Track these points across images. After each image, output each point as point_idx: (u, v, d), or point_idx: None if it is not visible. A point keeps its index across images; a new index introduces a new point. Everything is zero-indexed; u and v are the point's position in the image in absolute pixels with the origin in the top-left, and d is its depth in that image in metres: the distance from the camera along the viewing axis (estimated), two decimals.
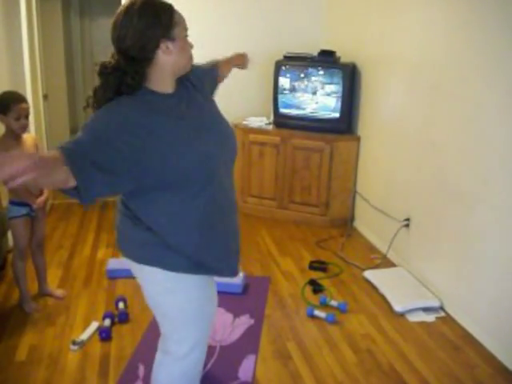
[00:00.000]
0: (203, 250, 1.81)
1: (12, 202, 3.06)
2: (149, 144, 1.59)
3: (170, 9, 1.68)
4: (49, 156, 1.43)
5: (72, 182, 1.42)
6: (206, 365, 2.65)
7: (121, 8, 1.66)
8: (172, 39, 1.66)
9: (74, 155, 1.43)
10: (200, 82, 1.96)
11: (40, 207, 3.09)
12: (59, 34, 6.83)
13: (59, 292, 3.38)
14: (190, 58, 1.79)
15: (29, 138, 3.09)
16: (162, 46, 1.65)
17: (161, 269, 1.79)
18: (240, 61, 2.68)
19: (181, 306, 1.89)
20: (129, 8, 1.63)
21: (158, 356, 2.03)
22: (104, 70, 1.70)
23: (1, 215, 3.33)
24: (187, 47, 1.75)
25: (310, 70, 4.55)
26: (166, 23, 1.65)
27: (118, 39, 1.65)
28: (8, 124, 2.91)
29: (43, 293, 3.36)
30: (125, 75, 1.66)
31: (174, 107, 1.76)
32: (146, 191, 1.68)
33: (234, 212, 1.96)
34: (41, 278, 3.36)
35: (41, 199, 3.08)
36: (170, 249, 1.77)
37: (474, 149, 3.00)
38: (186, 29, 1.74)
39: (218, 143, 1.81)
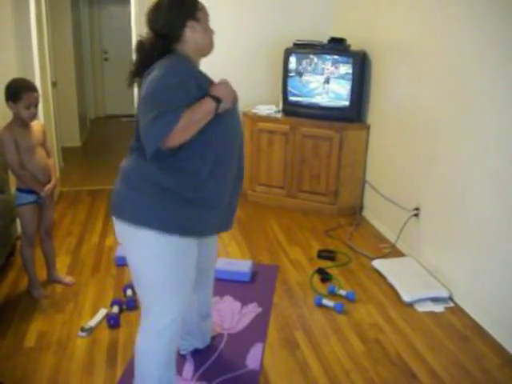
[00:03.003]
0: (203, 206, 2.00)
1: (19, 190, 3.07)
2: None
3: None
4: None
5: None
6: (213, 352, 2.67)
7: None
8: (197, 20, 1.99)
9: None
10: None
11: (47, 195, 3.10)
12: (68, 21, 6.81)
13: (68, 279, 3.40)
14: (212, 41, 2.07)
15: (36, 124, 3.10)
16: (189, 24, 1.97)
17: (155, 231, 1.91)
18: None
19: (168, 271, 2.00)
20: None
21: (140, 330, 2.12)
22: (140, 46, 2.02)
23: (9, 202, 3.33)
24: (209, 30, 2.06)
25: (320, 57, 4.52)
26: (190, 6, 1.99)
27: (152, 20, 1.99)
28: (17, 112, 2.92)
29: (52, 279, 3.38)
30: (154, 50, 1.97)
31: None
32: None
33: (238, 182, 2.19)
34: (49, 264, 3.37)
35: (48, 187, 3.08)
36: (167, 209, 1.92)
37: (484, 137, 2.97)
38: (208, 16, 2.07)
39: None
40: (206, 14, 2.04)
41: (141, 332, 2.11)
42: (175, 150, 1.86)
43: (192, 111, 1.81)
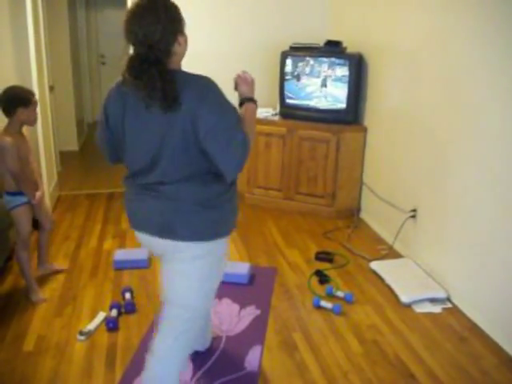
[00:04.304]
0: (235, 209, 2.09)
1: (9, 193, 3.11)
2: None
3: (177, 5, 1.88)
4: None
5: None
6: (212, 355, 2.67)
7: (139, 6, 1.80)
8: (183, 33, 1.87)
9: None
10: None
11: (38, 202, 3.19)
12: (65, 25, 6.82)
13: (59, 265, 3.52)
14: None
15: (26, 131, 3.20)
16: (180, 39, 1.85)
17: (224, 237, 2.03)
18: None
19: (221, 271, 2.14)
20: (153, 5, 1.79)
21: (168, 330, 2.09)
22: (142, 66, 1.79)
23: (5, 207, 3.36)
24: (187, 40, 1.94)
25: (317, 60, 4.53)
26: (182, 21, 1.87)
27: (147, 34, 1.77)
28: (27, 116, 3.00)
29: (43, 270, 3.45)
30: (151, 66, 1.79)
31: None
32: None
33: None
34: (41, 254, 3.44)
35: (39, 195, 3.18)
36: (224, 215, 2.01)
37: (481, 138, 2.98)
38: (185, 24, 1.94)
39: None
40: (185, 24, 1.92)
41: (169, 332, 2.09)
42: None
43: (250, 125, 1.95)
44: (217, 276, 2.13)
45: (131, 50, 1.87)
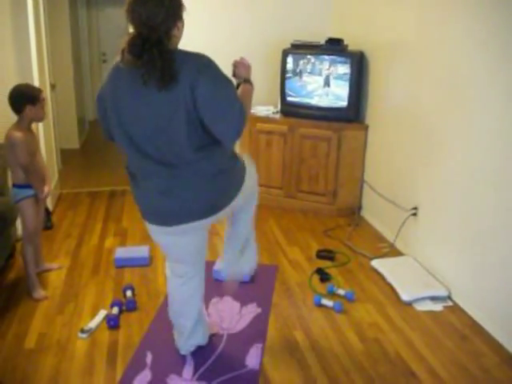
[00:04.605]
0: None
1: (17, 186, 3.14)
2: None
3: None
4: None
5: None
6: (213, 352, 2.67)
7: None
8: (182, 18, 1.96)
9: None
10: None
11: (46, 197, 3.23)
12: (66, 23, 6.82)
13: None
14: None
15: (34, 128, 3.22)
16: (178, 24, 1.95)
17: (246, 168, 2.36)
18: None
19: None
20: None
21: (250, 214, 2.74)
22: (144, 46, 1.86)
23: (9, 204, 3.37)
24: None
25: (318, 58, 4.52)
26: (182, 7, 1.95)
27: (149, 16, 1.85)
28: (35, 113, 3.07)
29: (40, 269, 3.46)
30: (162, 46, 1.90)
31: None
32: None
33: None
34: (37, 256, 3.45)
35: (47, 190, 3.21)
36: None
37: (483, 136, 2.98)
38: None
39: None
40: (185, 9, 2.02)
41: (250, 216, 2.77)
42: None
43: (246, 101, 2.13)
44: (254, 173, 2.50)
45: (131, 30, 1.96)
